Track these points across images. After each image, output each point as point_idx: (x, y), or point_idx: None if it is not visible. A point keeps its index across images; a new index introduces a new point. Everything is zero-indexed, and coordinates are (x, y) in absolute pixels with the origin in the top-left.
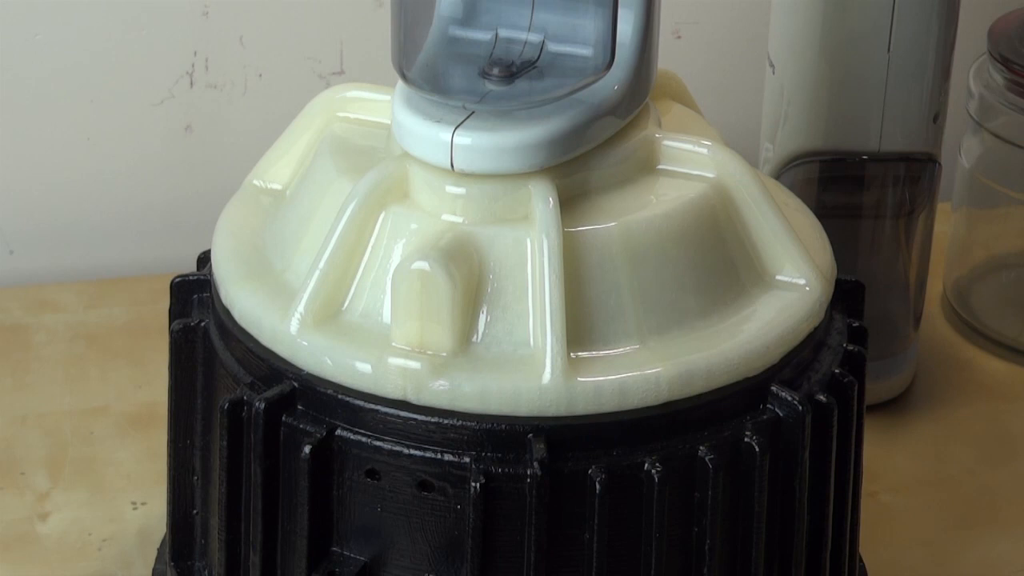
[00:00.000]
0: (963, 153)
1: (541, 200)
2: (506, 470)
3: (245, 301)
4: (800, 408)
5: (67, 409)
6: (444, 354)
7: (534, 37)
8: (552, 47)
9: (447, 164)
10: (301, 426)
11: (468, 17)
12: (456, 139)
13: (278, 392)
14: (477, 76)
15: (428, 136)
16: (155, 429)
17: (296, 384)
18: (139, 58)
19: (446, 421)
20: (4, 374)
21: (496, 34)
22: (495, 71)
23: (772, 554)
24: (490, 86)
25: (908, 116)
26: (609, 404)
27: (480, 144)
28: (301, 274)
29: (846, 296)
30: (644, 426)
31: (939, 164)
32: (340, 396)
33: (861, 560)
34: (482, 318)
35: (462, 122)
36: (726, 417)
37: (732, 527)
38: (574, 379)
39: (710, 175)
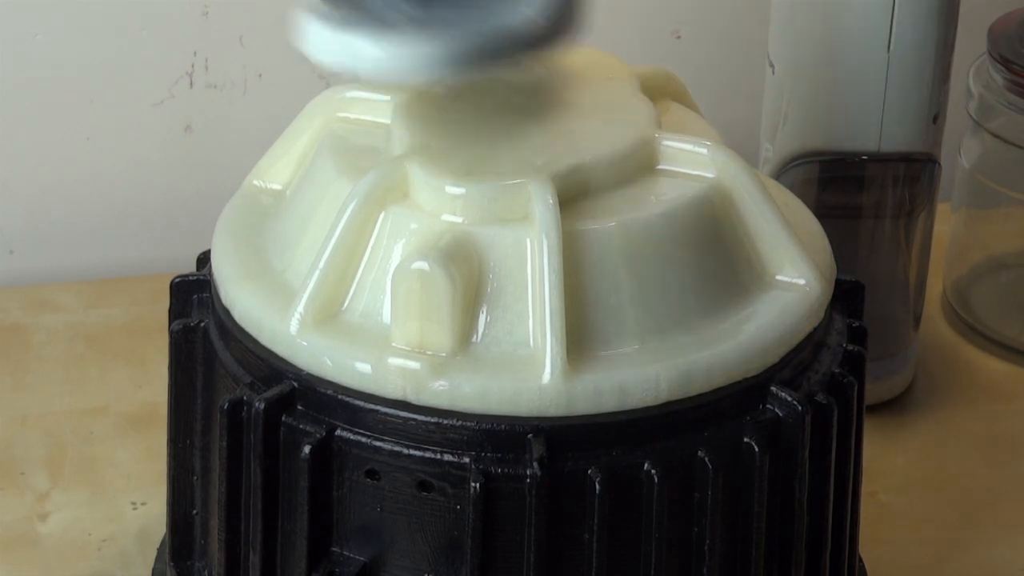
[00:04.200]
0: (963, 153)
1: (541, 200)
2: (506, 470)
3: (245, 301)
4: (800, 408)
5: (67, 409)
6: (444, 354)
7: None
8: None
9: (340, 67)
10: (301, 426)
11: None
12: (354, 40)
13: (278, 392)
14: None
15: (324, 36)
16: (155, 429)
17: (296, 384)
18: (139, 58)
19: (446, 421)
20: (4, 374)
21: None
22: None
23: (772, 554)
24: (409, 8)
25: (908, 116)
26: (609, 404)
27: (377, 49)
28: (301, 274)
29: (846, 296)
30: (644, 426)
31: (939, 164)
32: (340, 396)
33: (861, 560)
34: (482, 318)
35: (367, 28)
36: (726, 417)
37: (732, 527)
38: (574, 379)
39: (710, 175)
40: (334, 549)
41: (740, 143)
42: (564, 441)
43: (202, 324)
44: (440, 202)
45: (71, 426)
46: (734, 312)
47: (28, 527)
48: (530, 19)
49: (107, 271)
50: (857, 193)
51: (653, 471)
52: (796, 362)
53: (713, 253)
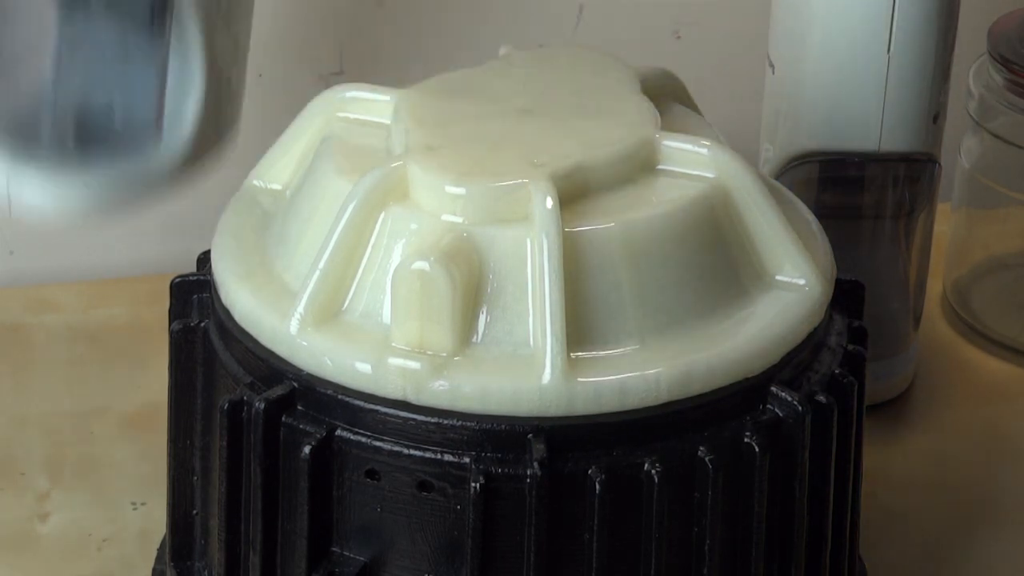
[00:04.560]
0: (963, 153)
1: (541, 200)
2: (506, 470)
3: (245, 301)
4: (800, 408)
5: (67, 409)
6: (444, 354)
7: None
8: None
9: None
10: (301, 426)
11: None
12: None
13: (278, 392)
14: (58, 135)
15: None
16: (155, 429)
17: (296, 384)
18: None
19: (446, 421)
20: (4, 374)
21: (86, 94)
22: (72, 131)
23: (772, 554)
24: (69, 143)
25: (908, 116)
26: (609, 404)
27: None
28: (301, 274)
29: (846, 296)
30: (644, 426)
31: (939, 164)
32: (340, 396)
33: (861, 560)
34: (482, 318)
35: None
36: (726, 417)
37: (732, 527)
38: (574, 379)
39: (710, 175)
40: (334, 549)
41: (740, 143)
42: (564, 441)
43: (202, 324)
44: (440, 202)
45: (71, 426)
46: (734, 312)
47: (28, 527)
48: (169, 156)
49: (107, 271)
50: (857, 193)
51: (653, 471)
52: (796, 362)
53: (713, 253)
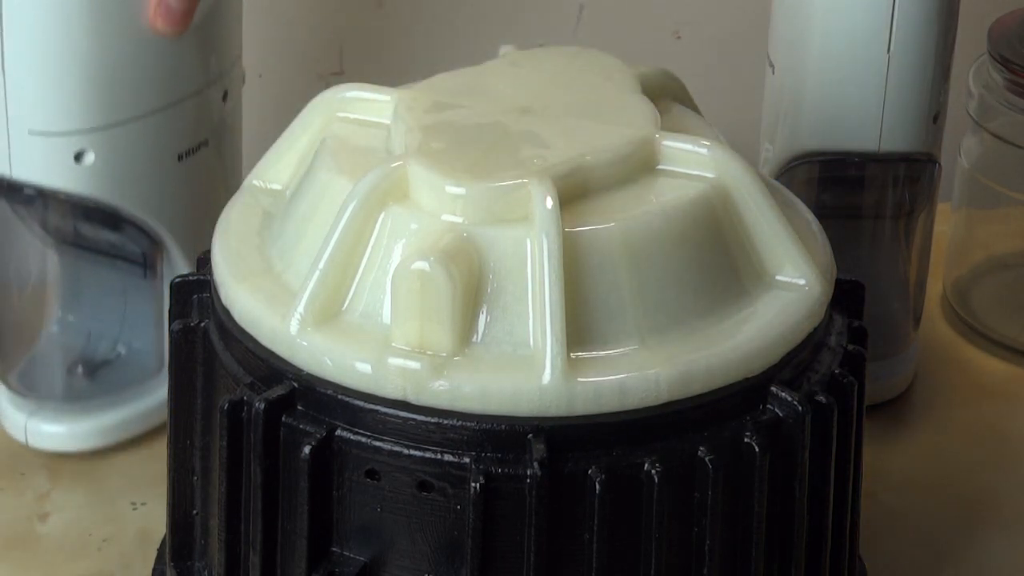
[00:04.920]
0: (963, 153)
1: (541, 200)
2: (506, 470)
3: (245, 301)
4: (800, 408)
5: None
6: (444, 354)
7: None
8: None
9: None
10: (301, 426)
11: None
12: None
13: (278, 392)
14: (66, 373)
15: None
16: (155, 429)
17: (296, 384)
18: None
19: (446, 421)
20: None
21: (89, 334)
22: (79, 369)
23: (772, 554)
24: (77, 381)
25: (908, 116)
26: (609, 404)
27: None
28: (301, 274)
29: (846, 296)
30: (644, 426)
31: (939, 164)
32: (340, 396)
33: (861, 560)
34: (482, 318)
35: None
36: (726, 417)
37: (732, 527)
38: (574, 379)
39: (710, 175)
40: (334, 549)
41: (740, 143)
42: (564, 441)
43: (202, 324)
44: (440, 202)
45: None
46: (734, 312)
47: (28, 527)
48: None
49: None
50: (857, 193)
51: (653, 471)
52: (796, 362)
53: (713, 253)
